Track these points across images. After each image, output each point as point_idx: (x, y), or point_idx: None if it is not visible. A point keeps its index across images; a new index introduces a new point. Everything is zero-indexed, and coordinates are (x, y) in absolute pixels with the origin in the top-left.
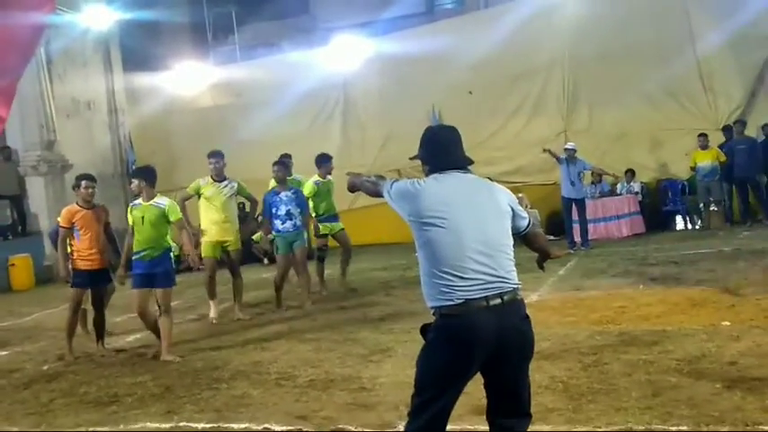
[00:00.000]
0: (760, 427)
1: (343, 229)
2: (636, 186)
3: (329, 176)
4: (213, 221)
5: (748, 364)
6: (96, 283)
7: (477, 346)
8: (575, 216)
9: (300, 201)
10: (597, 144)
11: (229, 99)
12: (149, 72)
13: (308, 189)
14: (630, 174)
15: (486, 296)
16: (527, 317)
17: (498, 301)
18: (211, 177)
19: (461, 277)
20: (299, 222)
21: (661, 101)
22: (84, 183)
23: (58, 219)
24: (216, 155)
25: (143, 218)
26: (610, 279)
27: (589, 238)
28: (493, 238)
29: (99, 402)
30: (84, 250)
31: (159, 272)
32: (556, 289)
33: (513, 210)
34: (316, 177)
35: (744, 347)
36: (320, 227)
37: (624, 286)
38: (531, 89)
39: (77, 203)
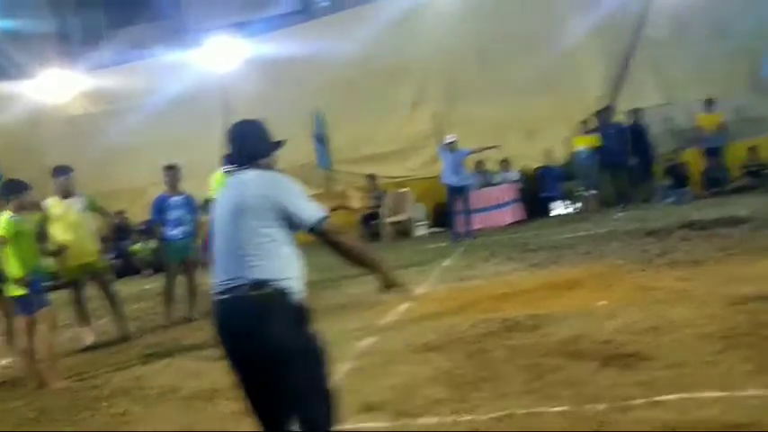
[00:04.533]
0: (634, 401)
1: None
2: (513, 175)
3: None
4: (69, 242)
5: (623, 341)
6: None
7: (222, 338)
8: (459, 206)
9: (192, 206)
10: (476, 136)
11: (102, 106)
12: (11, 81)
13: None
14: (506, 163)
15: (222, 290)
16: (265, 315)
17: (228, 296)
18: (58, 196)
19: (214, 274)
20: (189, 229)
21: (535, 91)
22: None
23: None
24: (61, 172)
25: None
26: (493, 267)
27: (473, 227)
28: (234, 237)
29: None
30: None
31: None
32: (440, 280)
33: (280, 206)
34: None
35: (619, 325)
36: None
37: (506, 273)
38: (410, 84)
39: None
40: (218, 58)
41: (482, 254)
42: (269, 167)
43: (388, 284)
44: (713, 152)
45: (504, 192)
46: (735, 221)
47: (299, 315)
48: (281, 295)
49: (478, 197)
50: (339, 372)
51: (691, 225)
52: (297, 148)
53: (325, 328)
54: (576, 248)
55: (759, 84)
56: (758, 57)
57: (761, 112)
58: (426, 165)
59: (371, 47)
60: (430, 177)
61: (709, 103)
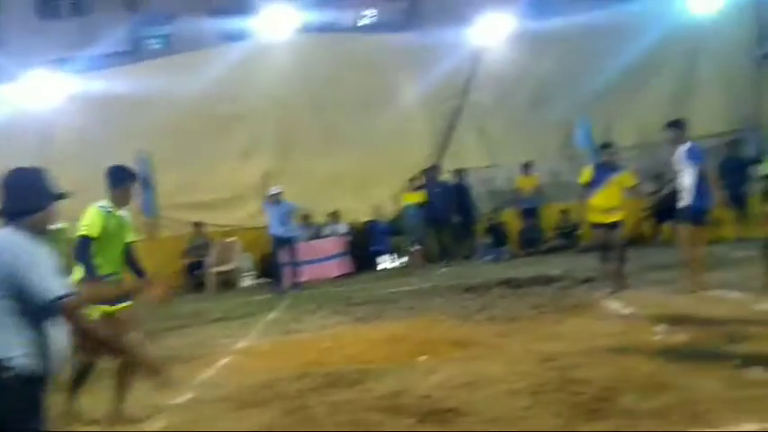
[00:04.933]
0: None
1: None
2: (342, 228)
3: None
4: None
5: (441, 396)
6: None
7: None
8: (286, 258)
9: None
10: (307, 188)
11: None
12: None
13: None
14: (335, 216)
15: None
16: None
17: None
18: None
19: None
20: None
21: (366, 147)
22: None
23: None
24: None
25: None
26: (319, 320)
27: (300, 279)
28: None
29: None
30: None
31: None
32: (265, 334)
33: (15, 275)
34: None
35: (437, 380)
36: None
37: (331, 326)
38: (242, 133)
39: None
40: (38, 94)
41: (308, 306)
42: (39, 225)
43: (149, 374)
44: (530, 213)
45: (333, 244)
46: (547, 280)
47: (23, 401)
48: (6, 378)
49: (306, 249)
50: (152, 429)
51: (508, 282)
52: None
53: (140, 382)
54: (399, 303)
55: (572, 152)
56: (572, 127)
57: (572, 177)
58: (255, 215)
59: (204, 92)
60: (258, 227)
61: (526, 167)
